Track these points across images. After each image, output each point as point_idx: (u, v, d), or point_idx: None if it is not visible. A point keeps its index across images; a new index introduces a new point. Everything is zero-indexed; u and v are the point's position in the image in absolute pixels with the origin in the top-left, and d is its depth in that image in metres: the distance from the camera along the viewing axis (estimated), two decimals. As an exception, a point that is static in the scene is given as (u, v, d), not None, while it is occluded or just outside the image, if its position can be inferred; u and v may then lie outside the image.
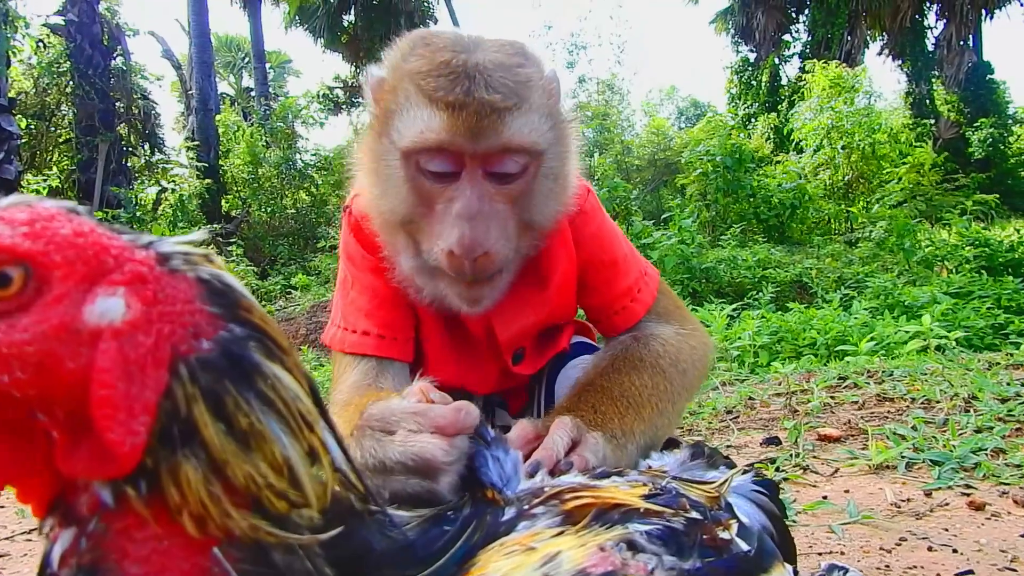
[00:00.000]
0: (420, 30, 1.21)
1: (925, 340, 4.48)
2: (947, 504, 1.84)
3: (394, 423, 0.80)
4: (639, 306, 1.38)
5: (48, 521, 0.49)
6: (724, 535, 0.63)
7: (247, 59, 27.70)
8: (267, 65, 22.97)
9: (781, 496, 0.91)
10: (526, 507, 0.62)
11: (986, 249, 8.52)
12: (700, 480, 0.76)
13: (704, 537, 0.60)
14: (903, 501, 1.88)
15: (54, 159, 15.12)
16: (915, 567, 1.50)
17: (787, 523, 0.86)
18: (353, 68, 22.83)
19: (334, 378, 1.34)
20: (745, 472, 0.89)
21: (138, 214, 13.04)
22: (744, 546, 0.63)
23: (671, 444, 1.08)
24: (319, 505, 0.50)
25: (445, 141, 1.05)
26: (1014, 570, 1.46)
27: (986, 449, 2.16)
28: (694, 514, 0.63)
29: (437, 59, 1.07)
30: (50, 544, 0.48)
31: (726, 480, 0.77)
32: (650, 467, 0.83)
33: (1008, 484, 1.93)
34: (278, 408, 0.49)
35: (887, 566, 1.51)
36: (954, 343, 4.51)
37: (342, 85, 24.44)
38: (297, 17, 21.42)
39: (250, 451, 0.48)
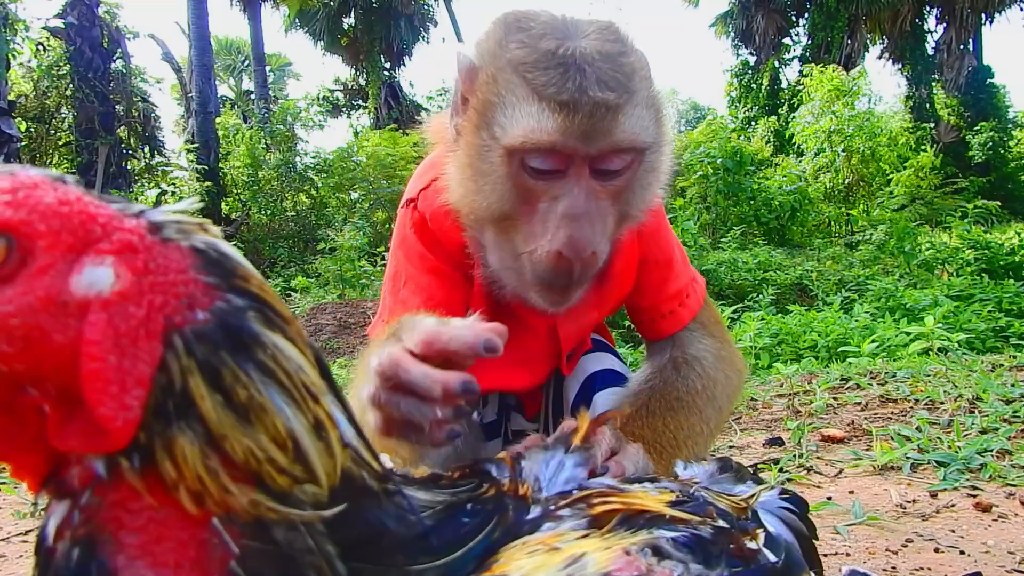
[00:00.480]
0: (512, 11, 1.14)
1: (928, 342, 4.46)
2: (953, 505, 1.82)
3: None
4: (686, 312, 1.35)
5: (42, 495, 0.47)
6: (751, 545, 0.61)
7: (247, 62, 27.73)
8: (267, 68, 23.00)
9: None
10: (552, 508, 0.59)
11: (987, 252, 8.54)
12: (728, 493, 0.74)
13: (731, 546, 0.58)
14: (908, 502, 1.86)
15: (54, 162, 15.10)
16: (922, 568, 1.48)
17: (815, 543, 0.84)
18: (353, 71, 22.85)
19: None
20: (773, 488, 0.86)
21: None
22: (772, 557, 0.61)
23: (698, 457, 1.06)
24: (328, 482, 0.48)
25: (558, 142, 1.01)
26: (1022, 572, 1.44)
27: (992, 450, 2.13)
28: (721, 523, 0.61)
29: (540, 47, 1.03)
30: (46, 518, 0.46)
31: (755, 493, 0.74)
32: (678, 477, 0.80)
33: (1015, 485, 1.90)
34: (280, 379, 0.47)
35: (893, 567, 1.49)
36: (956, 345, 4.49)
37: (342, 88, 24.46)
38: (297, 20, 21.44)
39: (250, 424, 0.46)
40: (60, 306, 0.43)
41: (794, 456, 2.29)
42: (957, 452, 2.14)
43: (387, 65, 21.30)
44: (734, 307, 6.85)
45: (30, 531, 1.95)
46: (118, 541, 0.45)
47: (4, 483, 2.41)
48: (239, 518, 0.46)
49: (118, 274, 0.44)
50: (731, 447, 2.54)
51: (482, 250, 1.18)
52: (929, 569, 1.47)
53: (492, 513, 0.56)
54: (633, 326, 1.49)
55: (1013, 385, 2.91)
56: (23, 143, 12.97)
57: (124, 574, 0.44)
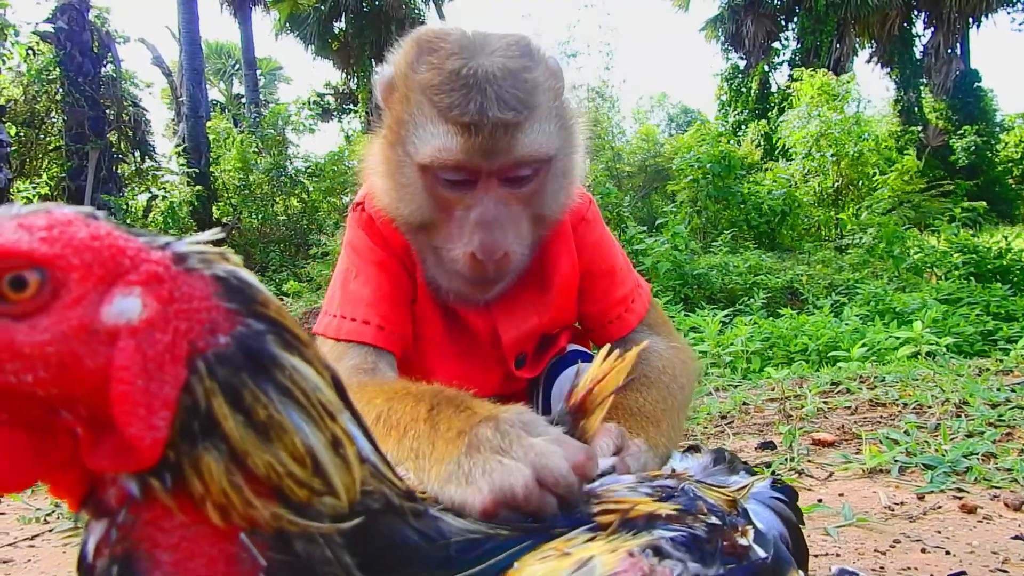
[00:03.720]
0: (424, 30, 1.22)
1: (916, 346, 4.51)
2: (940, 507, 1.86)
3: (537, 431, 0.79)
4: (633, 316, 1.42)
5: (82, 513, 0.49)
6: (742, 541, 0.64)
7: (238, 66, 27.69)
8: (258, 72, 22.95)
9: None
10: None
11: (975, 256, 8.61)
12: (721, 485, 0.77)
13: (724, 543, 0.61)
14: (897, 504, 1.90)
15: (44, 166, 15.04)
16: (909, 568, 1.51)
17: (802, 530, 0.87)
18: (344, 75, 22.86)
19: None
20: (765, 479, 0.90)
21: (128, 221, 12.97)
22: (761, 553, 0.64)
23: (694, 449, 1.09)
24: (348, 496, 0.51)
25: (462, 160, 1.10)
26: (1005, 571, 1.47)
27: (977, 453, 2.18)
28: (713, 519, 0.64)
29: (447, 68, 1.10)
30: (85, 535, 0.49)
31: (746, 486, 0.77)
32: (674, 470, 0.83)
33: (999, 488, 1.95)
34: (298, 398, 0.50)
35: (882, 567, 1.52)
36: (944, 349, 4.54)
37: (333, 92, 24.46)
38: (288, 24, 21.44)
39: (270, 441, 0.48)
40: (91, 334, 0.46)
41: (785, 459, 2.33)
42: (944, 455, 2.18)
43: (378, 69, 21.28)
44: (726, 311, 6.89)
45: (36, 536, 1.97)
46: (154, 558, 0.47)
47: (4, 491, 2.43)
48: (263, 531, 0.48)
49: (145, 303, 0.47)
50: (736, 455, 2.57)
51: (420, 255, 1.27)
52: (916, 569, 1.51)
53: (520, 541, 0.58)
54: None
55: (999, 389, 2.96)
56: (13, 148, 12.90)
57: (159, 589, 0.47)
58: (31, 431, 0.47)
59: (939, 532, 1.70)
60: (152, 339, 0.47)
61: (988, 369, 3.57)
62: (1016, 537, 1.63)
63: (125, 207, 13.61)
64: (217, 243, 0.54)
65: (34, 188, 13.15)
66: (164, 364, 0.47)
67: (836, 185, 13.03)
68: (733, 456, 0.86)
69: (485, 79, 1.08)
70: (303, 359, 0.52)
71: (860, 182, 13.06)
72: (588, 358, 1.54)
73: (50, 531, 2.01)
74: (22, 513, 2.18)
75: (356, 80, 21.63)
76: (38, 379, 0.44)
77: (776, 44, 21.75)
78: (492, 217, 1.12)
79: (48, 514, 2.15)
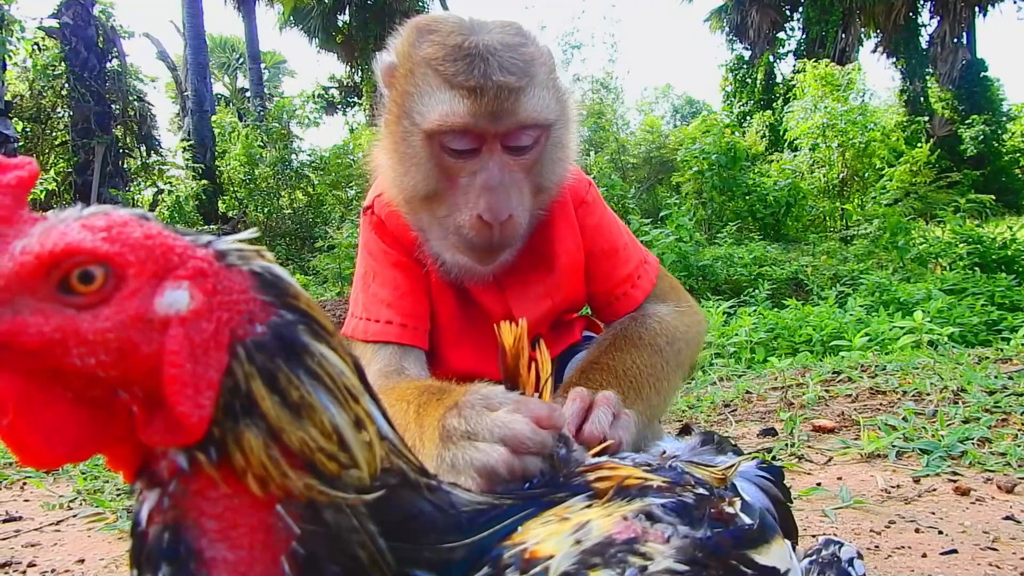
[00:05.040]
0: (422, 17, 1.31)
1: (917, 336, 4.56)
2: (934, 490, 1.91)
3: (496, 403, 0.85)
4: (639, 292, 1.46)
5: (136, 485, 0.55)
6: (729, 510, 0.69)
7: (242, 60, 27.75)
8: (262, 65, 23.00)
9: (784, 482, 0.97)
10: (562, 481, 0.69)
11: (979, 246, 8.61)
12: (709, 464, 0.83)
13: (712, 511, 0.67)
14: (893, 487, 1.95)
15: (51, 162, 15.12)
16: (903, 547, 1.57)
17: (790, 507, 0.93)
18: (348, 68, 22.88)
19: None
20: (752, 459, 0.96)
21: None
22: (747, 520, 0.69)
23: (684, 431, 1.15)
24: (369, 469, 0.56)
25: (469, 123, 1.16)
26: (995, 549, 1.53)
27: (973, 438, 2.23)
28: (701, 490, 0.70)
29: (449, 43, 1.18)
30: (139, 505, 0.54)
31: (734, 464, 0.83)
32: (664, 452, 0.89)
33: (993, 471, 2.00)
34: (325, 382, 0.55)
35: (876, 546, 1.58)
36: (946, 339, 4.58)
37: (337, 85, 24.51)
38: (292, 18, 21.46)
39: (302, 420, 0.54)
40: (146, 323, 0.51)
41: (786, 445, 2.38)
42: (940, 440, 2.23)
43: (377, 55, 21.28)
44: (730, 302, 6.94)
45: (60, 521, 2.04)
46: (200, 526, 0.53)
47: (32, 477, 2.51)
48: (296, 502, 0.54)
49: (192, 296, 0.52)
50: (727, 437, 2.63)
51: (423, 234, 1.32)
52: (909, 548, 1.57)
53: (523, 508, 0.64)
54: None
55: (996, 377, 3.01)
56: (20, 144, 12.97)
57: (207, 555, 0.52)
58: (93, 409, 0.53)
59: (933, 513, 1.76)
60: (199, 328, 0.52)
61: (987, 358, 3.62)
62: (1007, 518, 1.69)
63: (131, 202, 13.71)
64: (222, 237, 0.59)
65: (41, 183, 13.22)
66: (209, 350, 0.52)
67: (841, 176, 13.03)
68: (722, 438, 0.92)
69: (487, 50, 1.17)
70: (329, 347, 0.57)
71: (866, 173, 13.05)
72: None
73: (74, 516, 2.09)
74: (45, 500, 2.26)
75: (360, 73, 21.65)
76: (100, 362, 0.50)
77: (781, 34, 21.72)
78: (497, 181, 1.18)
79: (71, 501, 2.23)
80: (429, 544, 0.58)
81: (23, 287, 0.49)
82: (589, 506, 0.63)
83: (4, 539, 1.91)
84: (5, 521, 2.07)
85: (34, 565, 1.72)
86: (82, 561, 1.73)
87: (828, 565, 1.02)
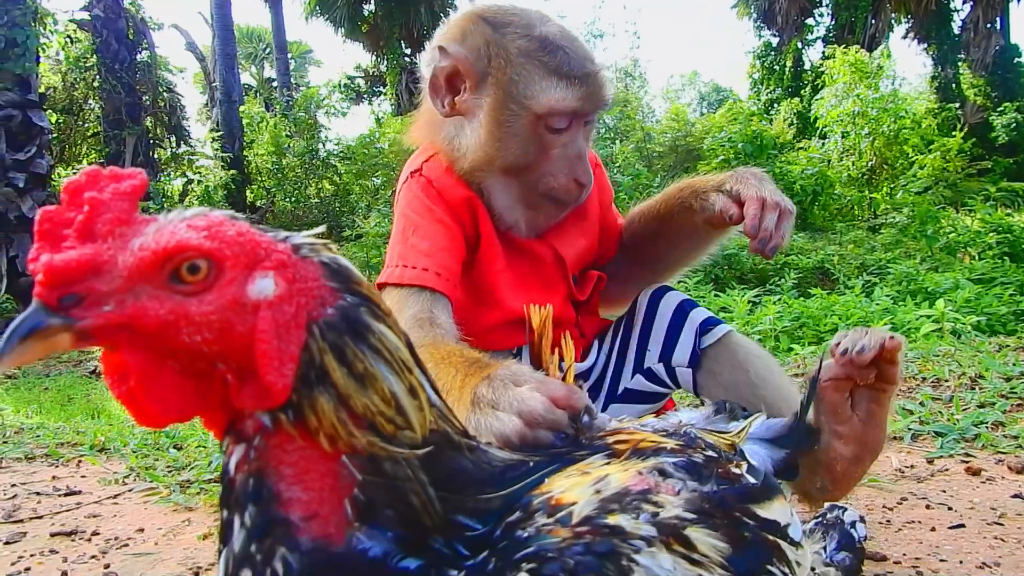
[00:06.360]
0: (475, 9, 1.49)
1: (939, 324, 4.58)
2: (947, 470, 1.99)
3: (522, 380, 0.96)
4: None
5: (225, 440, 0.66)
6: (736, 471, 0.79)
7: (269, 50, 27.99)
8: (288, 55, 23.25)
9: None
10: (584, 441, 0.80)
11: (1009, 236, 8.52)
12: (722, 431, 0.92)
13: (719, 470, 0.76)
14: (907, 467, 2.03)
15: (83, 152, 15.46)
16: (913, 522, 1.65)
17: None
18: (374, 58, 23.01)
19: None
20: (759, 417, 1.04)
21: (165, 205, 13.30)
22: (752, 480, 0.79)
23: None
24: (421, 431, 0.67)
25: (576, 107, 1.40)
26: (1001, 524, 1.61)
27: (987, 422, 2.30)
28: (710, 452, 0.80)
29: (535, 35, 1.39)
30: (227, 457, 0.65)
31: (743, 428, 0.92)
32: (680, 421, 0.98)
33: (1005, 453, 2.07)
34: (385, 356, 0.66)
35: (888, 521, 1.67)
36: (969, 327, 4.60)
37: (363, 75, 24.66)
38: (318, 7, 21.60)
39: (366, 388, 0.64)
40: (241, 306, 0.62)
41: (804, 430, 2.46)
42: (955, 424, 2.30)
43: (407, 51, 21.42)
44: (756, 290, 6.95)
45: (117, 495, 2.19)
46: (279, 472, 0.63)
47: (86, 455, 2.67)
48: (359, 455, 0.64)
49: (277, 283, 0.63)
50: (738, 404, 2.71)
51: (489, 195, 1.50)
52: (919, 522, 1.65)
53: (550, 463, 0.74)
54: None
55: (1015, 364, 3.05)
56: (53, 136, 13.26)
57: (284, 496, 0.63)
58: (197, 378, 0.63)
59: (944, 491, 1.84)
60: (282, 310, 0.63)
61: (1008, 346, 3.66)
62: (1015, 495, 1.76)
63: (162, 192, 13.98)
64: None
65: (74, 174, 13.50)
66: (291, 329, 0.63)
67: (870, 164, 12.91)
68: (734, 405, 1.01)
69: (567, 40, 1.40)
70: (387, 326, 0.68)
71: (896, 161, 12.91)
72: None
73: (129, 491, 2.23)
74: (101, 476, 2.41)
75: (386, 62, 21.79)
76: (204, 340, 0.61)
77: (809, 20, 21.43)
78: (584, 152, 1.45)
79: (125, 476, 2.37)
80: (470, 495, 0.69)
81: (142, 278, 0.60)
82: (608, 463, 0.73)
83: (67, 511, 2.06)
84: (66, 495, 2.22)
85: (97, 534, 1.86)
86: (142, 530, 1.86)
87: (832, 526, 1.12)
